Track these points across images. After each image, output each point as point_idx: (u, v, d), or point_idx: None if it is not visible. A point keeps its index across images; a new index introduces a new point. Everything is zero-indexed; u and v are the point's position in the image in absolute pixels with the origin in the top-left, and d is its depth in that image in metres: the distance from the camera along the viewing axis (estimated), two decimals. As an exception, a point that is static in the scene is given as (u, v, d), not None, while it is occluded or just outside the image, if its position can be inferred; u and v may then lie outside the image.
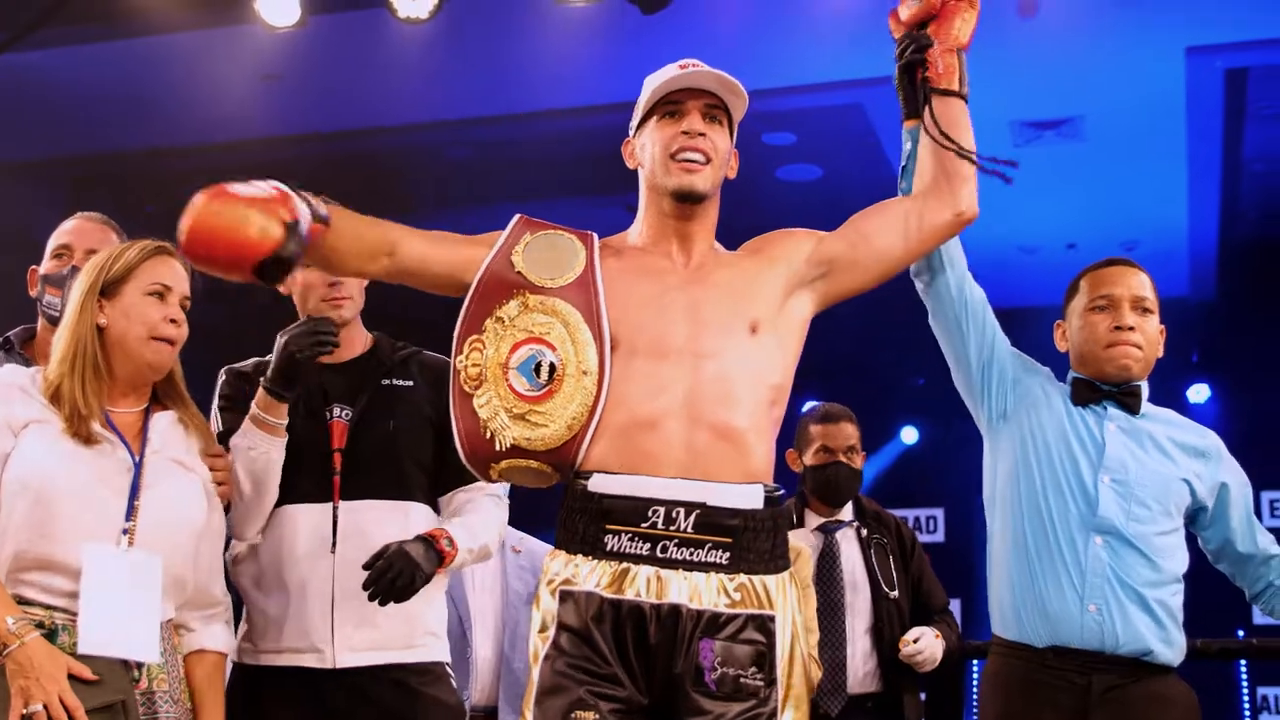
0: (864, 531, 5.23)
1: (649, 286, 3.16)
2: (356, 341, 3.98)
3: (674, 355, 3.08)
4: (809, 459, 5.31)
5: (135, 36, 8.25)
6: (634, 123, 3.29)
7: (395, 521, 3.76)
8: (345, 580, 3.69)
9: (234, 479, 3.65)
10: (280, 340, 3.66)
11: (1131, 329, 3.80)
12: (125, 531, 3.28)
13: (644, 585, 2.97)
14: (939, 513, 12.97)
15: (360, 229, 3.13)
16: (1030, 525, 3.76)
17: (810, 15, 7.05)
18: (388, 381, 3.90)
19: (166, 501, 3.36)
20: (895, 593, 5.12)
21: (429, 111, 8.41)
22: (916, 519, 12.78)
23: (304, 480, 3.77)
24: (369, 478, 3.81)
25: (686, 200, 3.17)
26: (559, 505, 3.13)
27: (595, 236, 3.24)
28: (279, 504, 3.76)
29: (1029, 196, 10.73)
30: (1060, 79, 8.98)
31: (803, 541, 5.08)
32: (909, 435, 13.04)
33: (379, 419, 3.87)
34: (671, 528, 2.98)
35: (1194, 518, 3.86)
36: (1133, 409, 3.82)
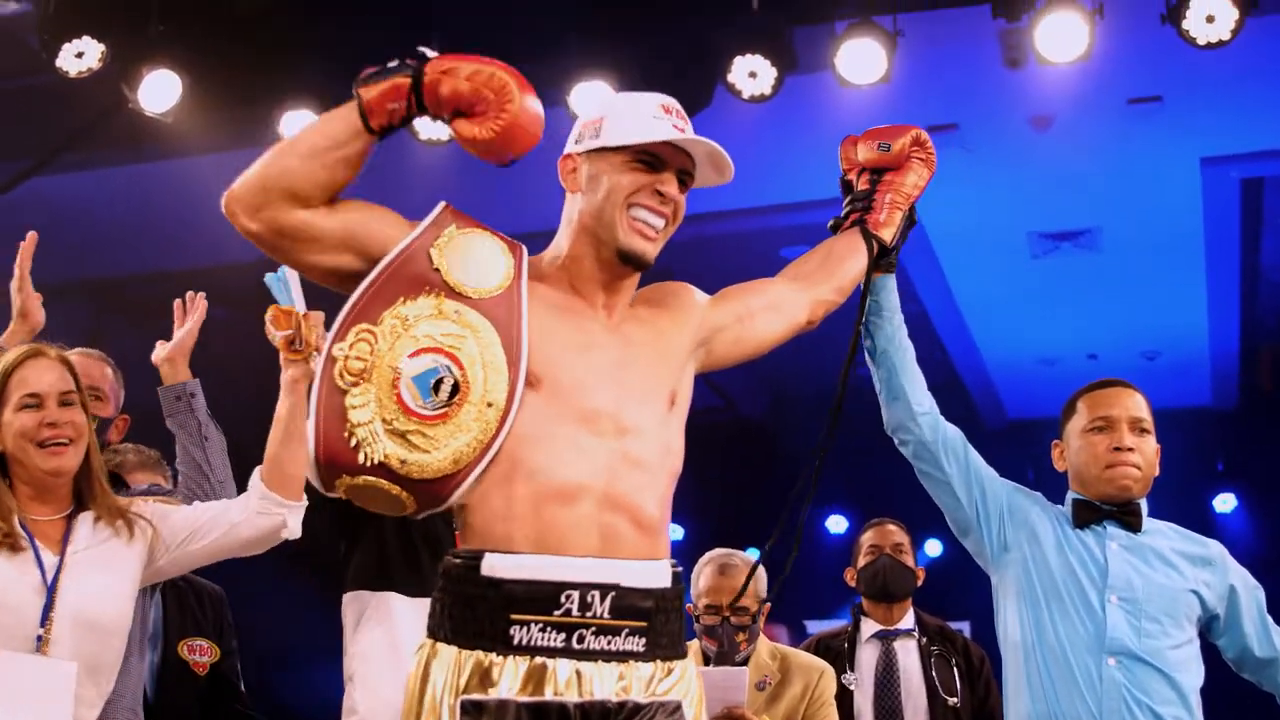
0: (924, 640, 5.21)
1: (573, 330, 2.78)
2: None
3: (599, 420, 2.71)
4: (859, 562, 5.35)
5: (158, 160, 8.36)
6: (588, 142, 2.89)
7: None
8: None
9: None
10: None
11: (1131, 450, 3.77)
12: (39, 638, 3.25)
13: (564, 682, 2.57)
14: (965, 626, 12.85)
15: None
16: (1043, 653, 3.72)
17: (824, 131, 7.10)
18: None
19: (85, 602, 3.33)
20: (954, 700, 5.09)
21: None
22: (943, 632, 12.68)
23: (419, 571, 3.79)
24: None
25: (630, 264, 2.83)
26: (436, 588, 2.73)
27: (525, 250, 2.83)
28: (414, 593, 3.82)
29: (1048, 308, 10.81)
30: (1076, 191, 9.05)
31: (862, 649, 5.09)
32: (933, 548, 12.99)
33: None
34: (588, 614, 2.59)
35: (1209, 627, 3.82)
36: (1134, 527, 3.80)
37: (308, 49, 7.31)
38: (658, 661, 2.68)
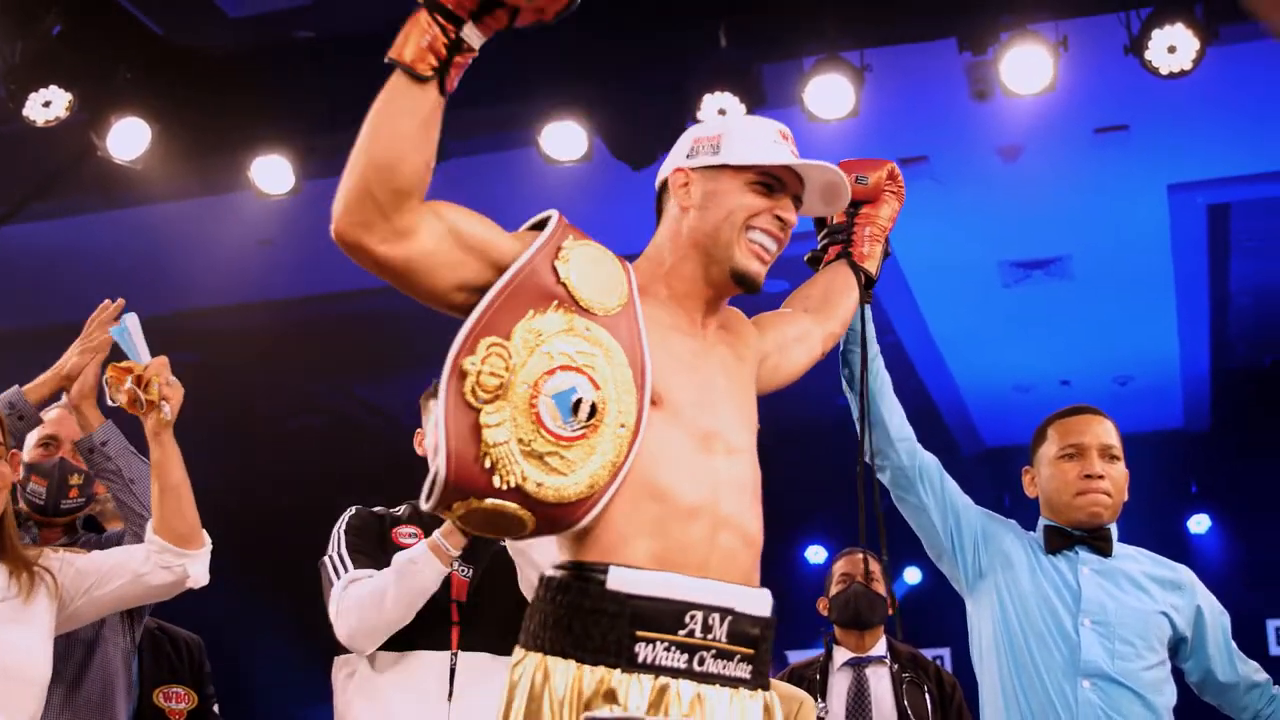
0: (895, 667, 5.24)
1: (682, 349, 2.73)
2: None
3: (715, 441, 2.67)
4: (832, 591, 5.40)
5: (128, 207, 8.36)
6: (705, 159, 2.84)
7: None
8: None
9: (388, 594, 3.69)
10: None
11: (1101, 477, 3.82)
12: None
13: (687, 704, 2.48)
14: (945, 653, 12.88)
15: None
16: (1018, 678, 3.76)
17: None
18: (502, 544, 3.88)
19: (2, 653, 3.32)
20: None
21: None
22: (924, 659, 12.70)
23: (419, 625, 3.79)
24: (484, 633, 3.84)
25: (742, 286, 2.79)
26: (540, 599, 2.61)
27: (630, 265, 2.75)
28: (398, 649, 3.78)
29: (1021, 336, 10.87)
30: (1046, 220, 9.11)
31: (835, 677, 5.11)
32: (912, 575, 13.01)
33: (494, 575, 3.91)
34: (709, 636, 2.52)
35: (1175, 650, 3.86)
36: (1105, 552, 3.84)
37: (278, 96, 7.32)
38: (760, 691, 2.63)
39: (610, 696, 2.45)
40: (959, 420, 12.51)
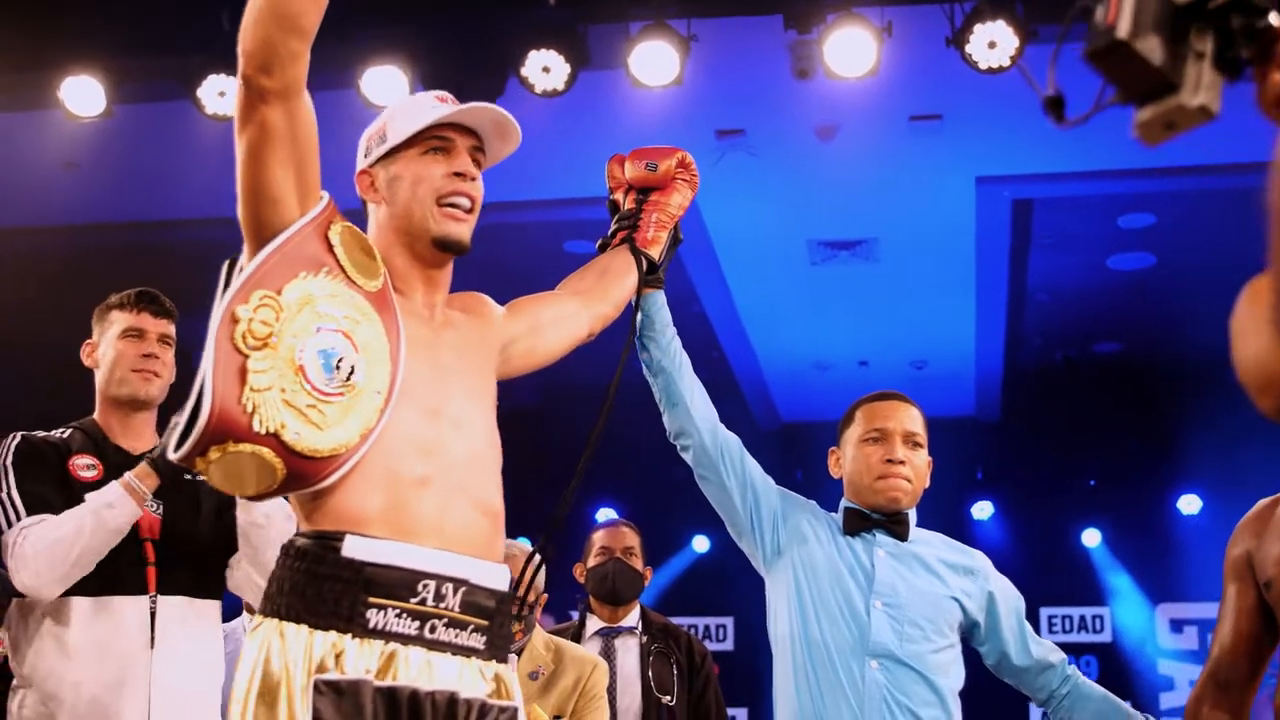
0: (645, 639, 5.30)
1: (411, 329, 2.81)
2: (150, 431, 3.97)
3: (442, 416, 2.78)
4: (590, 562, 5.42)
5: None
6: (377, 151, 2.94)
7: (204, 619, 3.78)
8: (162, 678, 3.67)
9: (80, 539, 3.59)
10: None
11: (902, 463, 3.88)
12: None
13: (416, 670, 2.59)
14: (728, 621, 13.06)
15: None
16: (809, 655, 3.81)
17: (615, 129, 7.17)
18: (190, 476, 3.77)
19: None
20: (669, 698, 5.21)
21: (231, 206, 8.30)
22: (706, 628, 12.88)
23: (111, 567, 3.69)
24: (180, 574, 3.78)
25: (450, 250, 2.89)
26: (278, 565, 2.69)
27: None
28: (91, 594, 3.68)
29: (824, 315, 11.02)
30: (856, 202, 9.23)
31: (586, 646, 5.14)
32: (700, 544, 13.15)
33: (185, 514, 3.84)
34: (441, 605, 2.63)
35: (970, 634, 3.95)
36: (901, 536, 3.91)
37: (94, 14, 7.13)
38: (495, 663, 2.74)
39: (339, 660, 2.54)
40: (758, 394, 12.64)
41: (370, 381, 2.63)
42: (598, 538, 5.51)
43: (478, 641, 2.70)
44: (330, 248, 2.69)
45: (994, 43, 6.44)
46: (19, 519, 3.68)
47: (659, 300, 3.77)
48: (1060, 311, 11.17)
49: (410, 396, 2.73)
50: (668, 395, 3.83)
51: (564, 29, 6.85)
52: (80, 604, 3.69)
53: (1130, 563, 12.92)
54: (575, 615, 5.59)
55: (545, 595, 4.66)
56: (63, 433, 3.93)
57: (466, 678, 2.66)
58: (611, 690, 5.15)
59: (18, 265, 9.78)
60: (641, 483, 10.94)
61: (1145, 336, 11.66)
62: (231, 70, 7.08)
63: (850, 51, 6.64)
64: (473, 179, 2.91)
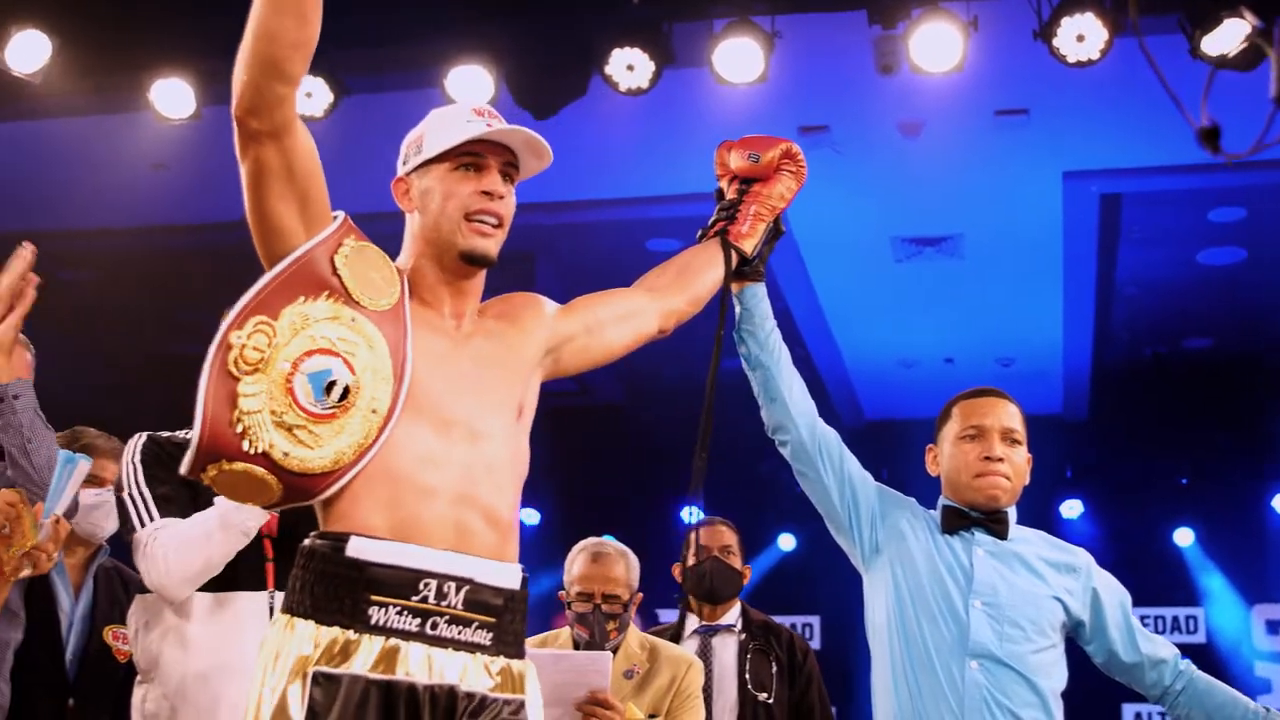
0: (744, 636, 5.28)
1: (430, 343, 2.90)
2: None
3: (454, 429, 2.85)
4: (688, 561, 5.39)
5: (24, 120, 8.19)
6: (414, 160, 3.02)
7: None
8: None
9: (211, 541, 3.63)
10: None
11: (1000, 460, 3.84)
12: None
13: (415, 664, 2.70)
14: (815, 620, 13.00)
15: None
16: (908, 654, 3.78)
17: (697, 127, 7.15)
18: None
19: None
20: (765, 695, 5.17)
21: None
22: (793, 626, 12.82)
23: (231, 564, 3.73)
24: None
25: (477, 264, 2.96)
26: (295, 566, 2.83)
27: (404, 270, 2.97)
28: (212, 589, 3.73)
29: (909, 311, 10.95)
30: (941, 198, 9.17)
31: (685, 645, 5.13)
32: (786, 542, 13.10)
33: (302, 510, 3.89)
34: (443, 603, 2.73)
35: (1076, 633, 3.90)
36: (1001, 534, 3.86)
37: (184, 18, 7.20)
38: (503, 658, 2.82)
39: (342, 655, 2.67)
40: (842, 391, 12.59)
41: (368, 400, 2.74)
42: (695, 537, 5.48)
43: (483, 637, 2.79)
44: (335, 270, 2.78)
45: (1082, 35, 6.37)
46: (151, 519, 3.73)
47: (757, 293, 3.76)
48: (1149, 307, 11.04)
49: (420, 410, 2.82)
50: (766, 390, 3.81)
51: (648, 27, 6.84)
52: (201, 600, 3.75)
53: (1224, 562, 12.73)
54: (663, 616, 5.56)
55: (640, 595, 4.66)
56: (186, 433, 3.98)
57: (470, 672, 2.76)
58: (709, 688, 5.14)
59: (107, 265, 9.90)
60: (727, 480, 10.92)
61: (1236, 331, 11.49)
62: (319, 71, 7.17)
63: (936, 46, 6.59)
64: (501, 197, 2.98)
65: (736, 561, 5.42)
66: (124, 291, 9.91)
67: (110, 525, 4.55)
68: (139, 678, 3.86)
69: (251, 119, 2.70)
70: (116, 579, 4.69)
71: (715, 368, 3.53)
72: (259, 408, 2.65)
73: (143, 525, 3.74)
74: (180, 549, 3.65)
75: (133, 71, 7.28)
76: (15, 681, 4.26)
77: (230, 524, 3.67)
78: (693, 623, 5.38)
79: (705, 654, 5.23)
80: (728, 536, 5.46)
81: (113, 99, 7.65)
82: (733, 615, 5.39)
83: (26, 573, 3.44)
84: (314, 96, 7.09)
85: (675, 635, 5.29)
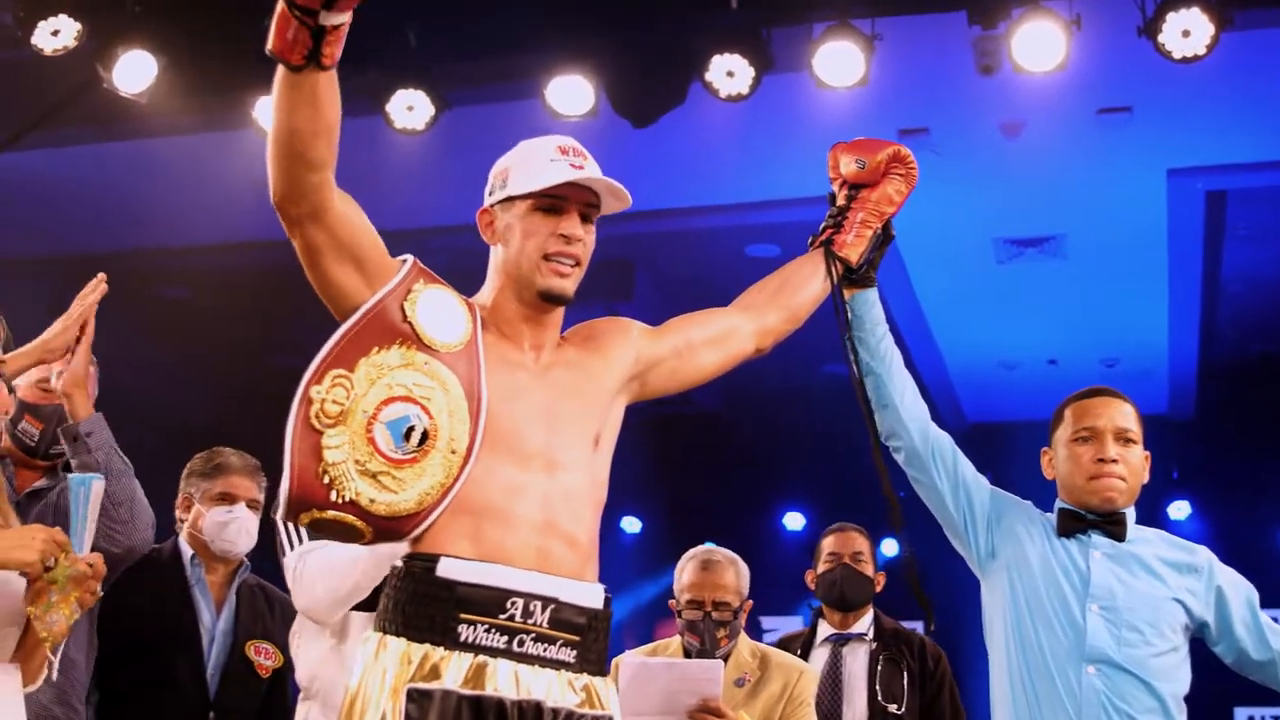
0: (874, 645, 5.25)
1: (508, 377, 2.97)
2: None
3: (533, 460, 2.93)
4: (820, 568, 5.39)
5: (129, 139, 8.33)
6: (499, 194, 3.08)
7: None
8: None
9: (359, 565, 3.65)
10: None
11: (1115, 461, 3.79)
12: None
13: (504, 681, 2.78)
14: (918, 626, 12.90)
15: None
16: (1025, 659, 3.74)
17: (798, 132, 7.14)
18: None
19: None
20: (895, 707, 5.12)
21: (415, 219, 8.46)
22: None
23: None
24: None
25: (554, 302, 3.03)
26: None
27: (477, 307, 3.03)
28: (365, 608, 3.71)
29: (1011, 313, 10.88)
30: (1043, 198, 9.10)
31: (816, 653, 5.12)
32: (889, 548, 13.06)
33: None
34: (529, 621, 2.82)
35: (1202, 634, 3.82)
36: (1119, 536, 3.81)
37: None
38: (586, 675, 2.89)
39: (433, 672, 2.75)
40: (944, 394, 12.52)
41: (446, 441, 2.83)
42: (826, 544, 5.46)
43: (568, 655, 2.86)
44: (405, 317, 2.87)
45: (1188, 31, 6.27)
46: (301, 542, 3.78)
47: (868, 299, 3.75)
48: (1255, 304, 10.88)
49: (498, 444, 2.90)
50: (878, 396, 3.80)
51: (747, 33, 6.85)
52: (356, 618, 3.78)
53: (1337, 564, 12.53)
54: (797, 615, 5.55)
55: (750, 602, 4.66)
56: None
57: (555, 689, 2.83)
58: (838, 698, 5.14)
59: (211, 280, 10.04)
60: (828, 486, 10.89)
61: (1346, 328, 11.32)
62: (419, 85, 7.24)
63: (1038, 45, 6.53)
64: (579, 240, 3.03)
65: (868, 568, 5.39)
66: (231, 307, 10.04)
67: (244, 542, 4.63)
68: (301, 694, 3.92)
69: (290, 206, 2.79)
70: (260, 595, 4.76)
71: (860, 383, 3.59)
72: (343, 458, 2.76)
73: (291, 548, 3.79)
74: (327, 573, 3.69)
75: (236, 90, 7.37)
76: (155, 696, 4.41)
77: (378, 549, 3.71)
78: (824, 630, 5.36)
79: (836, 663, 5.22)
80: (859, 543, 5.43)
81: (217, 117, 7.76)
82: (865, 623, 5.35)
83: (75, 617, 3.34)
84: (415, 110, 7.15)
85: (807, 642, 5.28)
